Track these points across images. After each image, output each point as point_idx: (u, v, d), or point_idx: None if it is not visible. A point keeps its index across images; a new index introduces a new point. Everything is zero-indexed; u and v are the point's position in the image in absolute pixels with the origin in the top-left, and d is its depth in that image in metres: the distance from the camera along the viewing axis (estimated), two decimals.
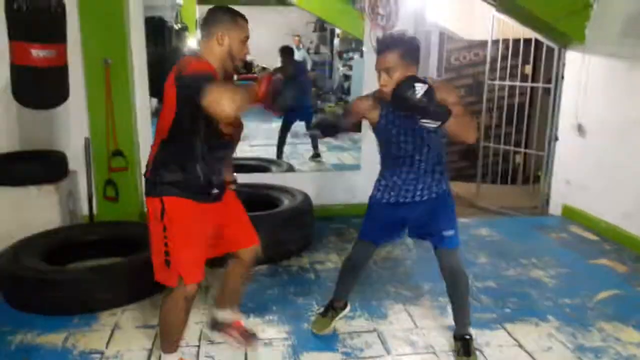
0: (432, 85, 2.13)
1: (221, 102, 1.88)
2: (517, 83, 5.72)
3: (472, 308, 2.81)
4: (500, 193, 6.02)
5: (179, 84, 2.04)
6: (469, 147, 6.54)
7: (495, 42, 5.80)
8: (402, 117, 2.39)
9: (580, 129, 4.76)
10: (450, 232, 2.55)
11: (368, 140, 4.79)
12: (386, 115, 2.46)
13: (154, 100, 4.98)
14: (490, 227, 4.75)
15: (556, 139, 5.09)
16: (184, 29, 7.40)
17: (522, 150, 5.88)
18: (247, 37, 2.24)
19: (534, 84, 5.73)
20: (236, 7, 2.26)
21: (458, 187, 6.41)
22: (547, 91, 5.32)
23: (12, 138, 4.32)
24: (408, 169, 2.52)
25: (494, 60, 5.81)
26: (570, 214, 4.99)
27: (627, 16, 4.22)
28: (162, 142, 2.19)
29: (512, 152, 5.97)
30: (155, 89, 4.51)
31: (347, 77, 9.56)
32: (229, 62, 2.21)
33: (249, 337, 2.72)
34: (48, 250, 3.43)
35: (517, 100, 6.00)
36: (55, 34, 3.16)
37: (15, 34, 3.10)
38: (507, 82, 5.66)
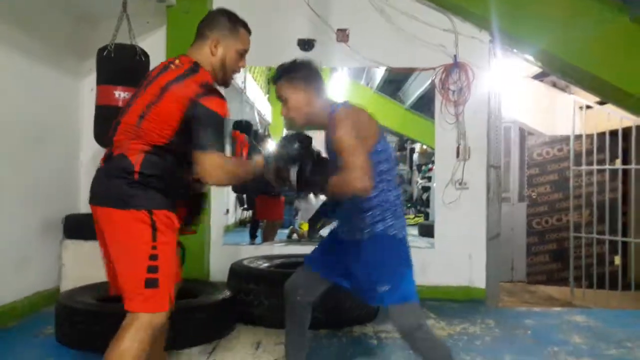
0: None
1: (214, 173, 1.77)
2: (607, 166, 5.32)
3: None
4: (598, 296, 5.33)
5: (190, 111, 1.77)
6: (559, 245, 6.05)
7: (579, 137, 5.57)
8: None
9: None
10: (384, 287, 2.04)
11: (441, 219, 4.55)
12: None
13: None
14: (587, 315, 4.12)
15: None
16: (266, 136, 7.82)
17: (619, 238, 5.28)
18: (246, 51, 2.00)
19: (626, 166, 5.30)
20: None
21: (551, 291, 5.84)
22: None
23: None
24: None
25: (579, 155, 5.54)
26: None
27: None
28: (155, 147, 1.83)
29: (608, 248, 5.40)
30: None
31: (425, 189, 9.48)
32: (220, 73, 1.97)
33: None
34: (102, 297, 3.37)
35: (607, 193, 5.55)
36: (137, 79, 3.39)
37: (102, 78, 3.39)
38: (595, 167, 5.31)
